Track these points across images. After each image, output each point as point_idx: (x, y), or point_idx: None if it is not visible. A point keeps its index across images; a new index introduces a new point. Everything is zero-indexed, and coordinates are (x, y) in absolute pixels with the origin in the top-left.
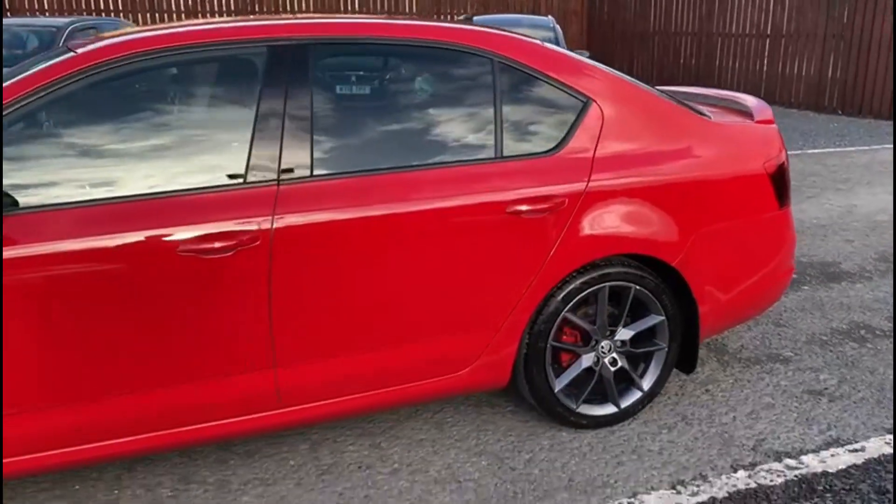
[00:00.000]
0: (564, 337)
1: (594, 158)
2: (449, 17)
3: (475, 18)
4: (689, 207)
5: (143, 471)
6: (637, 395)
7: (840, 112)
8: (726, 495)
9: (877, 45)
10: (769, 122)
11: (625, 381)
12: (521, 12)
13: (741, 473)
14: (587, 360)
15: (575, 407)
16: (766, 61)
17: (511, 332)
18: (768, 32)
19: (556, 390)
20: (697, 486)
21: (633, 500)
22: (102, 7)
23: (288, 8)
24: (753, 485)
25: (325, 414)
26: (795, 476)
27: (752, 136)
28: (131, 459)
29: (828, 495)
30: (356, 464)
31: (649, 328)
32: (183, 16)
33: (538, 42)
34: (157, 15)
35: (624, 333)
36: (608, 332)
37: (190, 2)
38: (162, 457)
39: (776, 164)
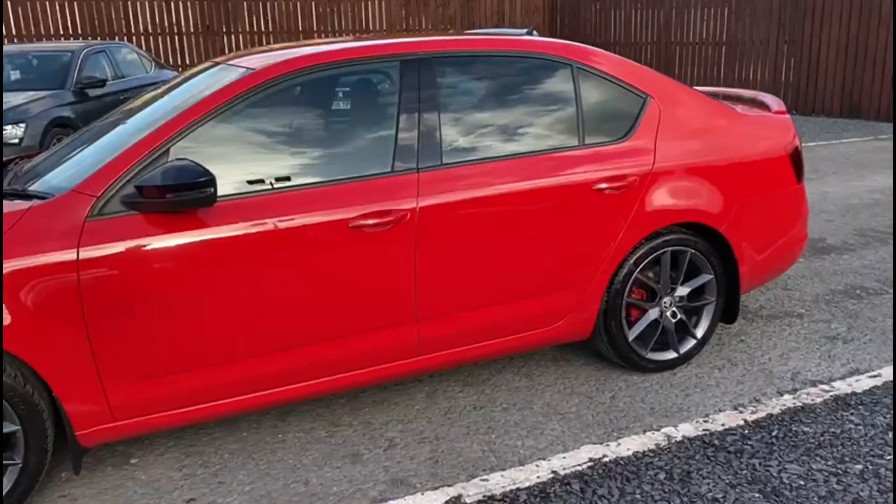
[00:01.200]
0: (634, 294)
1: (656, 144)
2: (418, 32)
3: None
4: (731, 183)
5: (294, 420)
6: (692, 342)
7: (795, 112)
8: (780, 412)
9: (826, 50)
10: (784, 112)
11: (681, 330)
12: (484, 27)
13: (787, 397)
14: (653, 313)
15: (644, 353)
16: (723, 67)
17: (595, 290)
18: (724, 40)
19: (629, 340)
20: (755, 407)
21: (706, 419)
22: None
23: (247, 24)
24: (799, 404)
25: (454, 360)
26: (830, 396)
27: (774, 125)
28: (285, 409)
29: (860, 407)
30: (471, 405)
31: (700, 285)
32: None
33: (605, 52)
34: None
35: (681, 290)
36: (669, 290)
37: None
38: (306, 408)
39: (793, 147)
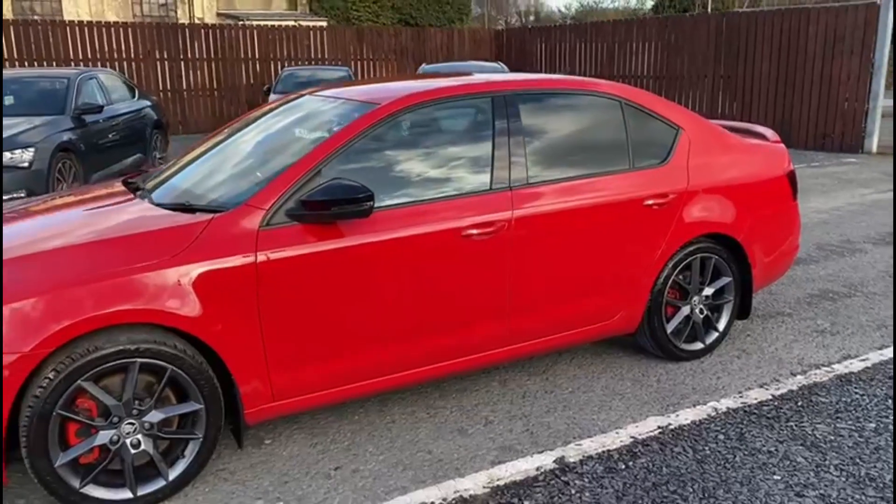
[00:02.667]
0: (670, 294)
1: (688, 168)
2: (372, 62)
3: (425, 66)
4: (745, 200)
5: (395, 406)
6: (715, 335)
7: None
8: (798, 388)
9: (757, 85)
10: (778, 142)
11: (706, 325)
12: (434, 58)
13: (799, 377)
14: (685, 310)
15: (679, 344)
16: None
17: (643, 290)
18: (664, 74)
19: (668, 332)
20: (776, 385)
21: (740, 395)
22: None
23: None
24: (811, 382)
25: (534, 349)
26: (834, 375)
27: (774, 152)
28: (383, 397)
29: (860, 382)
30: (541, 390)
31: (722, 286)
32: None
33: (645, 91)
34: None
35: (707, 290)
36: (698, 290)
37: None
38: (400, 396)
39: (790, 170)
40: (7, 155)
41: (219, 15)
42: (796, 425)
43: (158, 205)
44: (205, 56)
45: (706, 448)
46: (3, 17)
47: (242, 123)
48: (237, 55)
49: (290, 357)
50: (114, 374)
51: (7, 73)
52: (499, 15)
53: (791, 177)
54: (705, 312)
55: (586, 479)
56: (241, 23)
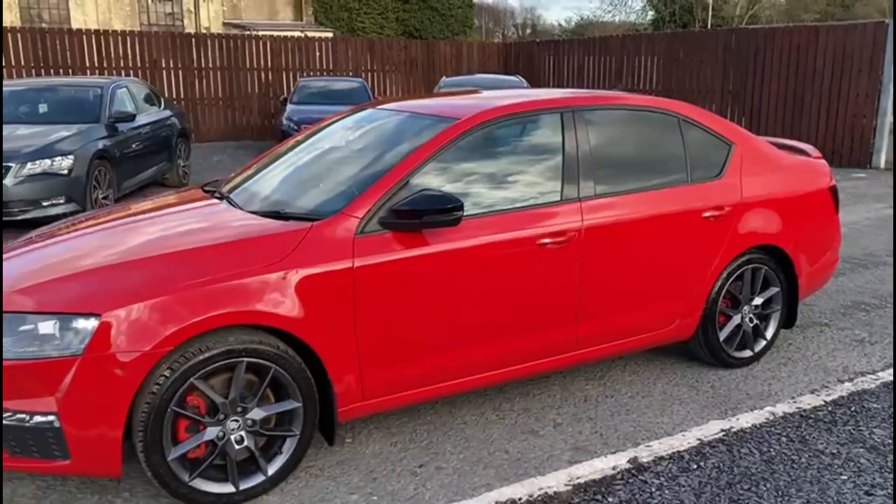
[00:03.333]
0: (723, 303)
1: (741, 182)
2: (381, 73)
3: (445, 80)
4: (792, 212)
5: (462, 407)
6: (763, 343)
7: None
8: (847, 394)
9: (766, 100)
10: (820, 157)
11: (755, 333)
12: (443, 70)
13: (847, 384)
14: (736, 319)
15: (731, 352)
16: None
17: (699, 300)
18: (672, 88)
19: (721, 340)
20: (827, 391)
21: (793, 400)
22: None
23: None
24: (859, 388)
25: (598, 355)
26: (881, 382)
27: (817, 167)
28: (451, 400)
29: None
30: (602, 395)
31: (770, 296)
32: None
33: (700, 108)
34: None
35: (757, 300)
36: (749, 299)
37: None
38: (468, 399)
39: (832, 185)
40: (47, 162)
41: (225, 24)
42: (853, 429)
43: (252, 212)
44: (216, 65)
45: (771, 450)
46: (12, 25)
47: (310, 134)
48: (246, 65)
49: (380, 358)
50: (220, 374)
51: (40, 81)
52: (496, 27)
53: (833, 191)
54: (755, 321)
55: (662, 479)
56: (248, 33)
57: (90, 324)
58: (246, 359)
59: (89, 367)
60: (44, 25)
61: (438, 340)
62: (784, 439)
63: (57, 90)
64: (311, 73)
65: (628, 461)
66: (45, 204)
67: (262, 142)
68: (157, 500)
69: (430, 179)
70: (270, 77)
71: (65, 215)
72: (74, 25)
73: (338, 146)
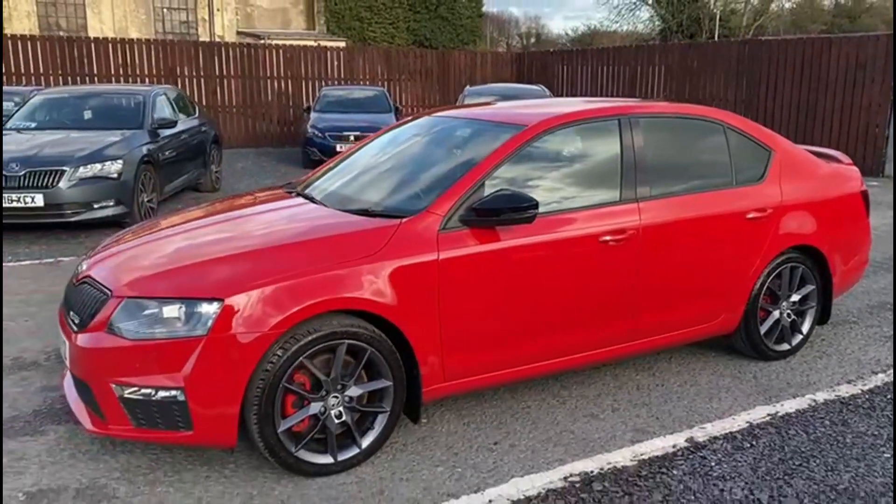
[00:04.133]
0: (764, 299)
1: (781, 186)
2: (396, 82)
3: (469, 89)
4: (827, 215)
5: (524, 393)
6: (799, 337)
7: None
8: (882, 384)
9: (779, 110)
10: (851, 164)
11: (792, 328)
12: (458, 79)
13: (881, 375)
14: (776, 314)
15: (770, 345)
16: None
17: (743, 295)
18: (685, 98)
19: (762, 334)
20: (863, 382)
21: (832, 389)
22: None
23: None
24: (892, 379)
25: (650, 346)
26: None
27: (850, 172)
28: (513, 386)
29: None
30: (652, 384)
31: (806, 294)
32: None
33: (741, 116)
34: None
35: (794, 297)
36: (787, 296)
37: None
38: (527, 385)
39: (863, 190)
40: (97, 166)
41: (239, 33)
42: (892, 414)
43: (343, 210)
44: (234, 73)
45: (817, 432)
46: (31, 33)
47: (375, 140)
48: (264, 73)
49: (459, 343)
50: (323, 354)
51: (81, 88)
52: (500, 37)
53: (864, 195)
54: (792, 317)
55: (720, 455)
56: (263, 41)
57: (214, 308)
58: (347, 341)
59: (213, 347)
60: (62, 33)
61: (508, 329)
62: (828, 422)
63: (101, 97)
64: (329, 82)
65: (686, 440)
66: (95, 206)
67: (282, 148)
68: (259, 470)
69: (501, 181)
70: (286, 85)
71: (113, 218)
72: (91, 34)
73: (410, 150)
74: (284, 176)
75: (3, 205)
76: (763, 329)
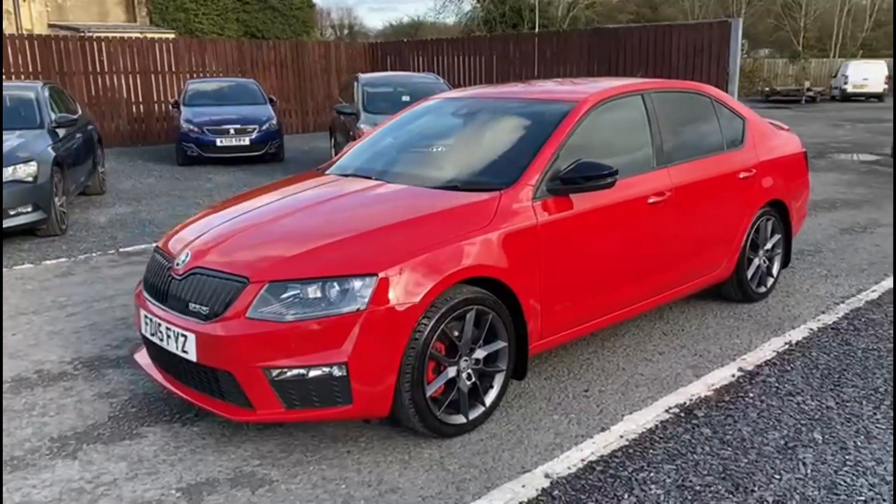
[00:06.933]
0: (748, 249)
1: (756, 149)
2: (252, 74)
3: (362, 76)
4: (787, 172)
5: (576, 349)
6: (771, 280)
7: None
8: (850, 310)
9: None
10: (790, 130)
11: (767, 272)
12: (312, 69)
13: (842, 305)
14: (757, 261)
15: (754, 288)
16: None
17: (737, 246)
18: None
19: (748, 278)
20: (834, 312)
21: (816, 319)
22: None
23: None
24: (853, 307)
25: (679, 294)
26: (866, 300)
27: (794, 137)
28: (566, 346)
29: (885, 304)
30: (674, 331)
31: (776, 241)
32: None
33: (722, 91)
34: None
35: (768, 245)
36: (764, 244)
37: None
38: (571, 344)
39: (804, 150)
40: (9, 170)
41: (51, 26)
42: (874, 333)
43: (433, 188)
44: (78, 70)
45: (832, 352)
46: None
47: (404, 121)
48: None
49: (554, 302)
50: (456, 321)
51: None
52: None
53: (805, 155)
54: (767, 263)
55: (775, 377)
56: (83, 34)
57: (368, 282)
58: (476, 307)
59: (373, 320)
60: None
61: (590, 285)
62: (835, 344)
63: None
64: (184, 76)
65: (738, 370)
66: (12, 213)
67: (136, 147)
68: (393, 440)
69: (566, 152)
70: (134, 80)
71: (31, 225)
72: None
73: (462, 129)
74: (163, 174)
75: None
76: (749, 274)
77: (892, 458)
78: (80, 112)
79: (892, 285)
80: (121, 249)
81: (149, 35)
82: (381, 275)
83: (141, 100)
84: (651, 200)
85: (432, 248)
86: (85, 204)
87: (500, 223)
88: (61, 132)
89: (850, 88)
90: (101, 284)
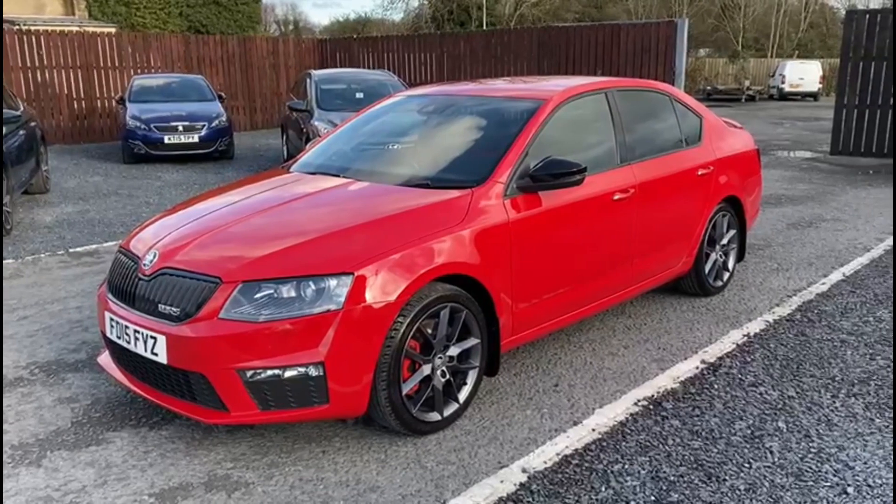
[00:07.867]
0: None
1: (713, 146)
2: (198, 70)
3: (314, 72)
4: (741, 169)
5: (546, 345)
6: (727, 274)
7: None
8: (802, 303)
9: None
10: (742, 128)
11: (723, 267)
12: (260, 64)
13: (795, 298)
14: (713, 256)
15: (712, 282)
16: None
17: (696, 241)
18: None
19: (706, 272)
20: (787, 304)
21: (771, 311)
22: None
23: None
24: (805, 299)
25: (641, 289)
26: (816, 293)
27: (746, 135)
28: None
29: (835, 296)
30: (636, 325)
31: (731, 237)
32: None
33: (679, 89)
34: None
35: (724, 240)
36: (720, 239)
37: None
38: (538, 342)
39: (757, 147)
40: None
41: None
42: (828, 324)
43: (400, 185)
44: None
45: (789, 343)
46: None
47: (366, 118)
48: (46, 63)
49: (524, 299)
50: (430, 319)
51: None
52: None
53: (758, 152)
54: (723, 257)
55: (737, 368)
56: (19, 27)
57: (344, 281)
58: (449, 304)
59: (350, 318)
60: None
61: (557, 281)
62: (791, 335)
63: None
64: (127, 73)
65: (701, 362)
66: None
67: (79, 144)
68: (366, 439)
69: (535, 149)
70: (74, 76)
71: None
72: None
73: (427, 127)
74: (110, 173)
75: None
76: (706, 269)
77: (854, 446)
78: (21, 108)
79: (839, 278)
80: (70, 250)
81: (89, 29)
82: (357, 273)
83: (83, 96)
84: (616, 197)
85: (407, 245)
86: (29, 203)
87: (472, 221)
88: (6, 129)
89: (787, 88)
90: (52, 286)
